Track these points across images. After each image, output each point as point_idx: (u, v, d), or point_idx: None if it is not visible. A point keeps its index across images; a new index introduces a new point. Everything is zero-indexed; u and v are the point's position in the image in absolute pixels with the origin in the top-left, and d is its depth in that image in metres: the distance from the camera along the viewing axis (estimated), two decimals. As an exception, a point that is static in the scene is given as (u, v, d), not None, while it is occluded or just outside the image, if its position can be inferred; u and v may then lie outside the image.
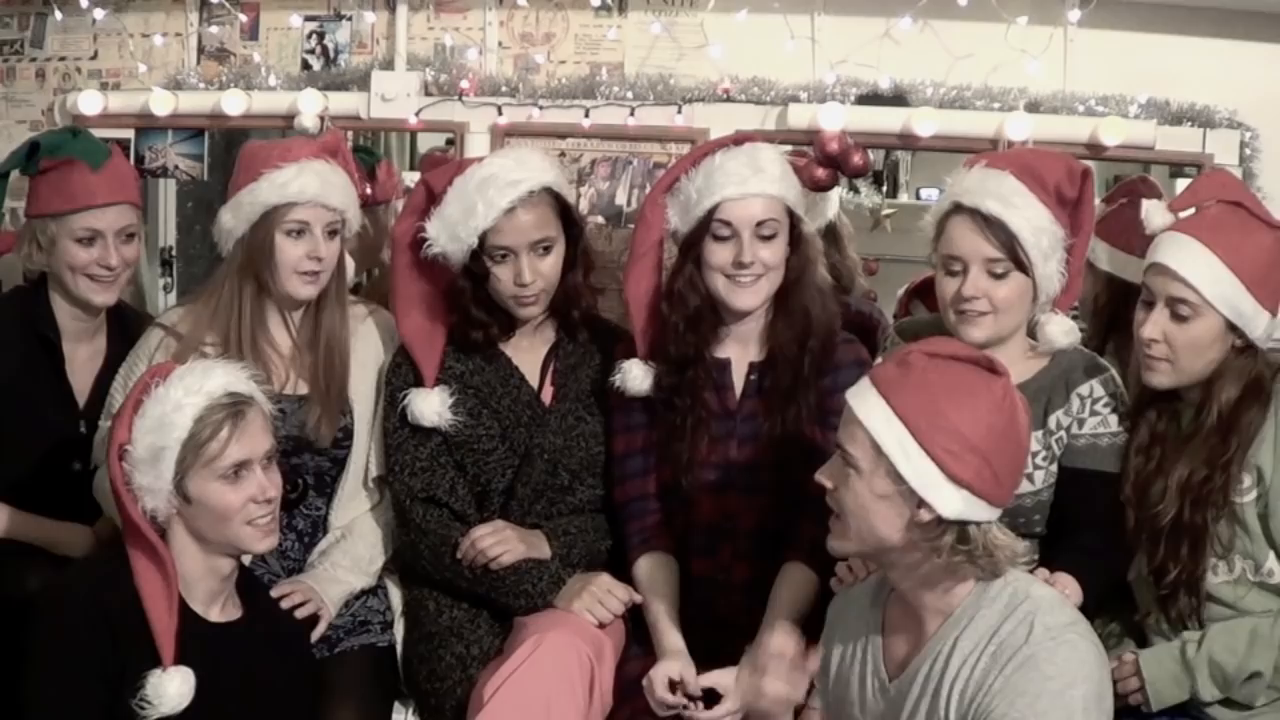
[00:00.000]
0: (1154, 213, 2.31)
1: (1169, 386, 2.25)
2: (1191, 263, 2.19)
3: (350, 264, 2.81)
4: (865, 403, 1.86)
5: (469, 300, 2.56)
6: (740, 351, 2.54)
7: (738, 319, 2.50)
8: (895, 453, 1.81)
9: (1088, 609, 2.06)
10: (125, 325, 2.83)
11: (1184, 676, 2.19)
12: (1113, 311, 2.77)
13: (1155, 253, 2.24)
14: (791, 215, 2.48)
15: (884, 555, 1.90)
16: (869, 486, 1.85)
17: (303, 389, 2.61)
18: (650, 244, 2.54)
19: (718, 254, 2.44)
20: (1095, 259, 2.71)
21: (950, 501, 1.80)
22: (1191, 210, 2.28)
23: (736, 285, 2.44)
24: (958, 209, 2.35)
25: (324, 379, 2.60)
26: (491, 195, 2.47)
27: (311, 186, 2.55)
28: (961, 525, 1.81)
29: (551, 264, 2.54)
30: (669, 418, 2.50)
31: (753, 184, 2.42)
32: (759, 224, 2.42)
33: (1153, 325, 2.21)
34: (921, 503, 1.81)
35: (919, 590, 1.90)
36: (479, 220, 2.47)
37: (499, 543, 2.46)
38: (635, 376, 2.51)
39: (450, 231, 2.50)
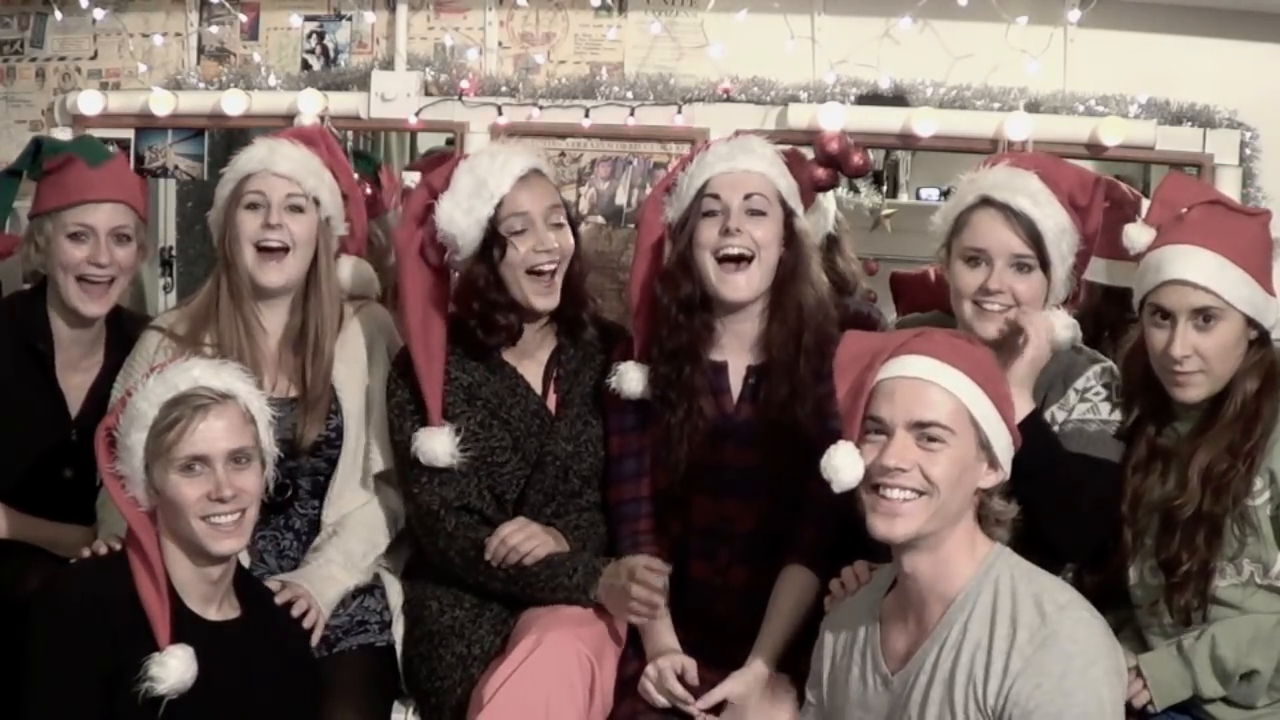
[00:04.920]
0: (1136, 233, 2.31)
1: (1203, 398, 2.24)
2: (1206, 269, 2.19)
3: (371, 275, 2.80)
4: (944, 373, 1.92)
5: (489, 287, 2.51)
6: (737, 355, 2.52)
7: (730, 313, 2.49)
8: (986, 419, 1.92)
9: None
10: (124, 333, 2.81)
11: (1184, 671, 2.18)
12: (1096, 316, 2.78)
13: (1163, 269, 2.24)
14: (785, 207, 2.49)
15: (942, 530, 1.92)
16: (962, 454, 1.91)
17: (292, 392, 2.60)
18: (649, 244, 2.55)
19: (706, 230, 2.44)
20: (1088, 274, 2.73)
21: (1009, 467, 1.95)
22: (1171, 219, 2.29)
23: (725, 271, 2.43)
24: (986, 203, 2.36)
25: (309, 378, 2.59)
26: (503, 160, 2.50)
27: (259, 153, 2.58)
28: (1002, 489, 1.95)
29: (566, 239, 2.54)
30: (666, 420, 2.49)
31: (740, 160, 2.46)
32: (747, 197, 2.44)
33: (1182, 342, 2.19)
34: (990, 468, 1.94)
35: (932, 574, 1.93)
36: (494, 187, 2.47)
37: (528, 537, 2.45)
38: (631, 379, 2.51)
39: (464, 205, 2.48)
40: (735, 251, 2.42)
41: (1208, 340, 2.20)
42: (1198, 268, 2.20)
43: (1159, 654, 2.23)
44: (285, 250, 2.57)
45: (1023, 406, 2.19)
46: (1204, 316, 2.19)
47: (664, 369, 2.48)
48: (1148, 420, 2.32)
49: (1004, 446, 1.96)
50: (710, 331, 2.50)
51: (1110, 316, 2.78)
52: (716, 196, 2.44)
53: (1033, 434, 2.15)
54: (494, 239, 2.49)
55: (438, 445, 2.48)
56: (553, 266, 2.51)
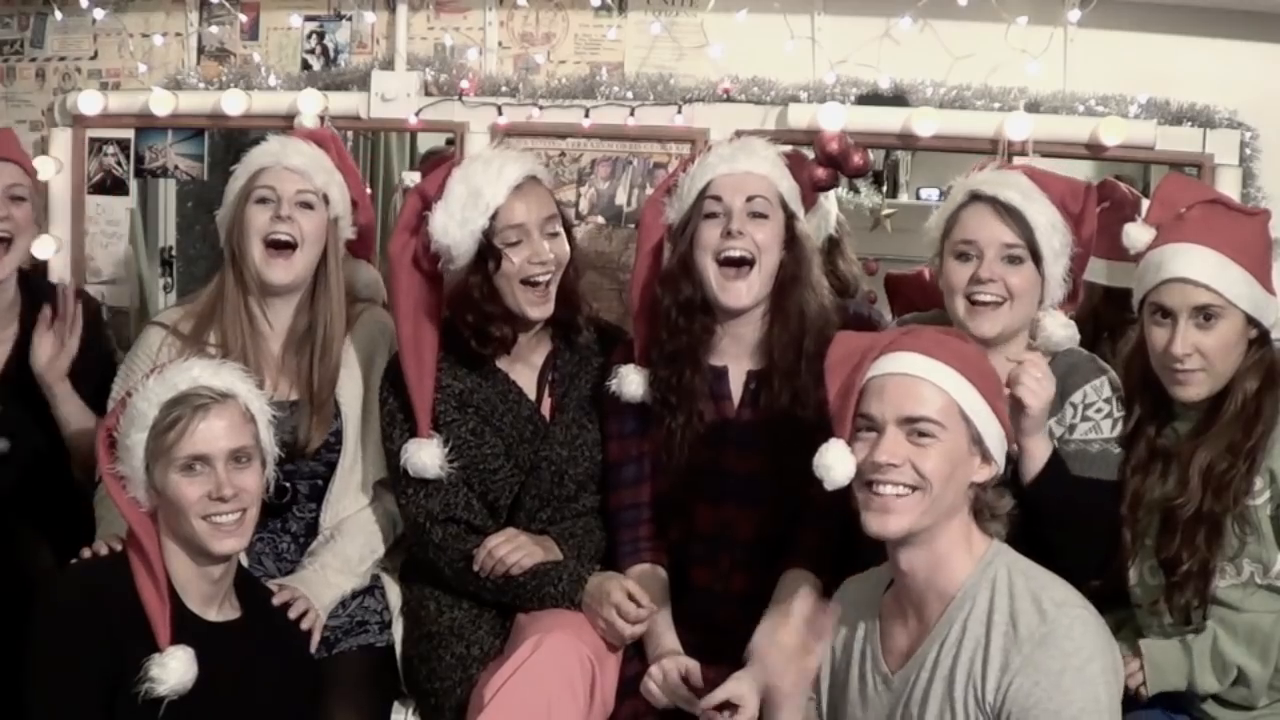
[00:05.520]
0: (1136, 232, 2.33)
1: (1204, 397, 2.25)
2: (1206, 267, 2.20)
3: (351, 272, 2.79)
4: (937, 371, 1.92)
5: (483, 298, 2.50)
6: (737, 360, 2.52)
7: (731, 317, 2.48)
8: (976, 414, 1.92)
9: None
10: (38, 299, 2.83)
11: (1184, 660, 2.19)
12: (1095, 319, 2.79)
13: (1164, 268, 2.24)
14: (786, 210, 2.48)
15: (935, 526, 1.92)
16: (953, 448, 1.91)
17: (293, 395, 2.61)
18: (649, 247, 2.54)
19: (708, 232, 2.44)
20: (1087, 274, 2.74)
21: (1002, 461, 1.94)
22: (1171, 218, 2.30)
23: (725, 278, 2.42)
24: (976, 198, 2.37)
25: (317, 382, 2.59)
26: (498, 169, 2.49)
27: (272, 148, 2.60)
28: (996, 485, 1.95)
29: (562, 248, 2.53)
30: (666, 425, 2.48)
31: (742, 162, 2.46)
32: (749, 199, 2.43)
33: (1183, 340, 2.20)
34: (983, 462, 1.93)
35: (929, 571, 1.93)
36: (489, 197, 2.46)
37: (515, 549, 2.46)
38: (632, 382, 2.50)
39: (459, 216, 2.47)
40: (736, 254, 2.41)
41: (1209, 338, 2.20)
42: (1198, 265, 2.21)
43: (1162, 642, 2.24)
44: (293, 247, 2.57)
45: (1042, 451, 2.20)
46: (1205, 315, 2.20)
47: (664, 372, 2.47)
48: (1148, 421, 2.32)
49: (996, 440, 1.97)
50: (710, 335, 2.49)
51: (1109, 318, 2.79)
52: (718, 198, 2.43)
53: (1050, 476, 2.18)
54: (489, 250, 2.48)
55: (426, 457, 2.48)
56: (548, 277, 2.50)
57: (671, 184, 2.55)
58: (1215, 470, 2.21)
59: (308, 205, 2.59)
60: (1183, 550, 2.21)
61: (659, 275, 2.52)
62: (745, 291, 2.43)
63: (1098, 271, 2.73)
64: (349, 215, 2.71)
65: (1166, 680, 2.20)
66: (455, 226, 2.48)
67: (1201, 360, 2.21)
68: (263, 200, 2.58)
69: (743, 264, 2.42)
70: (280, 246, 2.57)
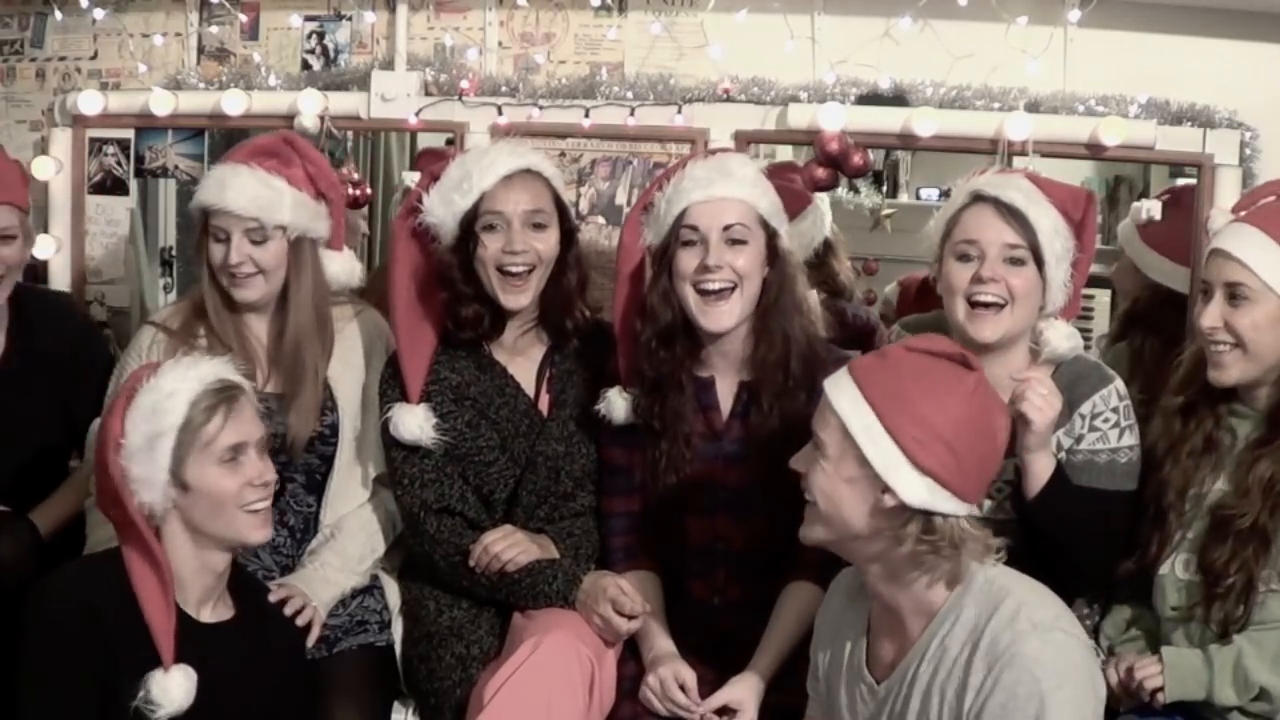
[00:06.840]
0: (1217, 217, 2.36)
1: (1238, 381, 2.22)
2: (1248, 246, 2.20)
3: (352, 267, 2.79)
4: (838, 388, 1.89)
5: (456, 274, 2.52)
6: (726, 371, 2.49)
7: (715, 340, 2.46)
8: (862, 437, 1.84)
9: None
10: (26, 312, 2.85)
11: (1204, 671, 2.15)
12: (1146, 311, 2.78)
13: (1213, 241, 2.26)
14: (767, 228, 2.44)
15: (851, 544, 1.90)
16: (836, 471, 1.87)
17: (284, 387, 2.61)
18: (628, 271, 2.53)
19: (685, 261, 2.40)
20: (1145, 267, 2.83)
21: (914, 488, 1.81)
22: (1252, 206, 2.33)
23: (706, 303, 2.39)
24: (978, 199, 2.35)
25: (296, 380, 2.59)
26: (490, 160, 2.51)
27: (211, 193, 2.55)
28: (927, 515, 1.82)
29: (545, 243, 2.52)
30: (655, 442, 2.46)
31: (719, 188, 2.41)
32: (726, 228, 2.39)
33: (1209, 314, 2.20)
34: (886, 488, 1.82)
35: (890, 587, 1.90)
36: (475, 181, 2.48)
37: (511, 545, 2.46)
38: (618, 406, 2.49)
39: (446, 196, 2.50)
40: (715, 287, 2.38)
41: (1239, 318, 2.19)
42: (1241, 244, 2.20)
43: (1184, 650, 2.20)
44: (254, 273, 2.57)
45: (1045, 467, 2.18)
46: (1234, 294, 2.19)
47: (646, 401, 2.46)
48: (1206, 409, 2.29)
49: (891, 464, 1.84)
50: (694, 355, 2.47)
51: (1161, 318, 2.78)
52: (695, 228, 2.40)
53: (1053, 492, 2.15)
54: (469, 234, 2.50)
55: (410, 420, 2.49)
56: (522, 269, 2.50)
57: (648, 201, 2.51)
58: (1277, 487, 2.17)
59: (259, 241, 2.56)
60: (1230, 563, 2.17)
61: (639, 306, 2.49)
62: (727, 314, 2.40)
63: (1151, 266, 2.74)
64: (317, 220, 2.65)
65: (1185, 689, 2.17)
66: (441, 206, 2.51)
67: (1231, 337, 2.19)
68: (216, 238, 2.57)
69: (722, 291, 2.40)
70: (242, 275, 2.56)
